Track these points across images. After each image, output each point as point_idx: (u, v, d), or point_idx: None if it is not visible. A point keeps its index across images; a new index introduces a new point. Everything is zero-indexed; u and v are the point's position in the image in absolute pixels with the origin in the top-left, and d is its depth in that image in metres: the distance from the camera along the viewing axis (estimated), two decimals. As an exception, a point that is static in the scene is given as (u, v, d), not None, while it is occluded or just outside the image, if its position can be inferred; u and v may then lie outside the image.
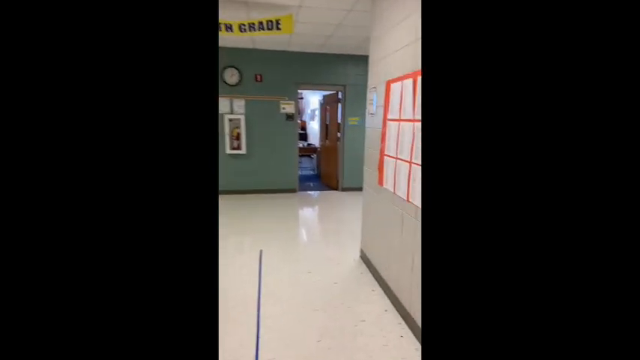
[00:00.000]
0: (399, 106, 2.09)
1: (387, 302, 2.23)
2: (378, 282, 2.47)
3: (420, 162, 1.80)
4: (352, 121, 5.46)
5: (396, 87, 2.14)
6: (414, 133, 1.87)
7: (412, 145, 1.89)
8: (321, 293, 2.33)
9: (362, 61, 5.24)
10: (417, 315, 1.87)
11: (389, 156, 2.27)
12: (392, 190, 2.22)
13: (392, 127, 2.21)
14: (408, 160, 1.95)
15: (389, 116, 2.26)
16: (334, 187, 5.82)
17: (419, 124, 1.80)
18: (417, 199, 1.85)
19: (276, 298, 2.26)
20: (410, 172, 1.93)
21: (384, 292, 2.34)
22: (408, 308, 1.99)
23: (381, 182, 2.43)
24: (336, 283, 2.49)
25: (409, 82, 1.92)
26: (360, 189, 5.49)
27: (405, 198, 2.00)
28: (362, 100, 5.31)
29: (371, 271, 2.65)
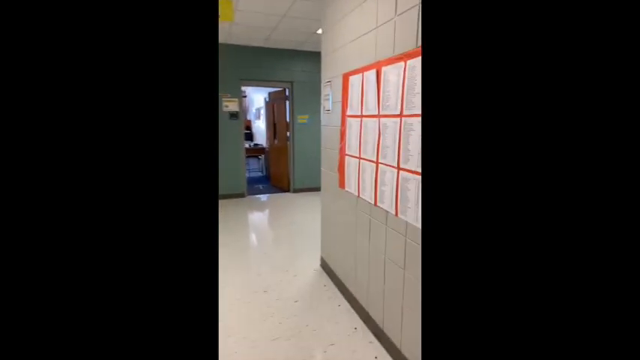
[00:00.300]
0: (359, 101, 1.88)
1: (355, 318, 2.02)
2: (344, 295, 2.26)
3: (388, 163, 1.60)
4: (302, 119, 5.22)
5: (355, 80, 1.93)
6: (379, 130, 1.67)
7: (378, 143, 1.70)
8: (282, 316, 2.04)
9: (310, 56, 5.01)
10: (391, 332, 1.68)
11: (350, 156, 2.06)
12: (356, 194, 2.01)
13: (352, 124, 2.00)
14: (374, 160, 1.75)
15: (348, 112, 2.05)
16: (286, 189, 5.54)
17: (385, 120, 1.61)
18: (385, 204, 1.66)
19: (228, 330, 1.91)
20: (377, 173, 1.73)
21: (352, 306, 2.13)
22: (380, 324, 1.79)
23: (342, 185, 2.21)
24: (297, 301, 2.22)
25: (371, 73, 1.72)
26: (312, 189, 5.34)
27: (372, 202, 1.80)
28: (311, 97, 5.10)
29: (335, 283, 2.42)
